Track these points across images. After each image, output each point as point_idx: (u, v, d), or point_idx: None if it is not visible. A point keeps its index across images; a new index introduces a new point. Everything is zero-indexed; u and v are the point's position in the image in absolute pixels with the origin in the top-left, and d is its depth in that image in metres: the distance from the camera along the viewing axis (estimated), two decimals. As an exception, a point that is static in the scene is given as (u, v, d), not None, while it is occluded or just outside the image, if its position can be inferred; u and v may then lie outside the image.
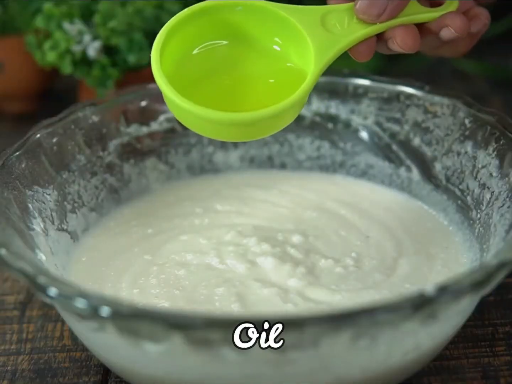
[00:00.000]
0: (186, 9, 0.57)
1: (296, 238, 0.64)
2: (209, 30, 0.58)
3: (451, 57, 0.61)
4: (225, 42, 0.58)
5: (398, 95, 0.69)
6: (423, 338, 0.51)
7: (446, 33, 0.59)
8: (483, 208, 0.61)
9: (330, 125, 0.72)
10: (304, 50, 0.57)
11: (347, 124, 0.72)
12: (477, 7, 0.61)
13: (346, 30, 0.57)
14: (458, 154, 0.65)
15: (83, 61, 0.80)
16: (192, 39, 0.58)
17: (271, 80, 0.58)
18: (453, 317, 0.52)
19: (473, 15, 0.60)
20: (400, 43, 0.58)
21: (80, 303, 0.47)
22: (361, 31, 0.57)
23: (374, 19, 0.57)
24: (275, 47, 0.58)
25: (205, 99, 0.55)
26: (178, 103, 0.53)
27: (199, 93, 0.56)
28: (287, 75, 0.58)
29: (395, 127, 0.70)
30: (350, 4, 0.58)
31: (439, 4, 0.60)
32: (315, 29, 0.57)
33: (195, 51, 0.58)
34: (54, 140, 0.65)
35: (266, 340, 0.45)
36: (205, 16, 0.57)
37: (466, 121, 0.65)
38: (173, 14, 0.81)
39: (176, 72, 0.56)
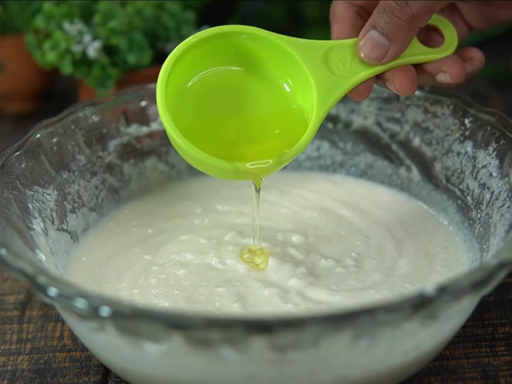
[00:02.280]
0: (191, 37, 0.56)
1: (296, 238, 0.64)
2: (218, 56, 0.57)
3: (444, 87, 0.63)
4: (234, 68, 0.58)
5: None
6: (423, 338, 0.51)
7: (442, 78, 0.60)
8: (483, 208, 0.61)
9: (330, 125, 0.72)
10: (308, 92, 0.57)
11: (347, 124, 0.72)
12: (472, 49, 0.62)
13: (348, 71, 0.58)
14: (458, 154, 0.65)
15: (83, 61, 0.80)
16: (200, 64, 0.57)
17: (276, 118, 0.58)
18: (453, 317, 0.52)
19: (468, 58, 0.61)
20: (398, 88, 0.59)
21: (80, 303, 0.47)
22: (362, 73, 0.58)
23: (375, 62, 0.58)
24: (285, 86, 0.58)
25: (207, 129, 0.56)
26: (181, 145, 0.54)
27: (202, 121, 0.57)
28: (290, 115, 0.58)
29: (395, 127, 0.70)
30: (353, 40, 0.58)
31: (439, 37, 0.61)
32: (319, 70, 0.57)
33: (201, 76, 0.58)
34: (54, 140, 0.65)
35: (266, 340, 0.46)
36: (213, 42, 0.57)
37: (466, 121, 0.65)
38: (173, 14, 0.82)
39: (180, 97, 0.56)
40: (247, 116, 0.58)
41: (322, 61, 0.57)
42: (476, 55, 0.61)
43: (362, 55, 0.58)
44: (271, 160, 0.56)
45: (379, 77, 0.59)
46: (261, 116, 0.58)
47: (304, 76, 0.57)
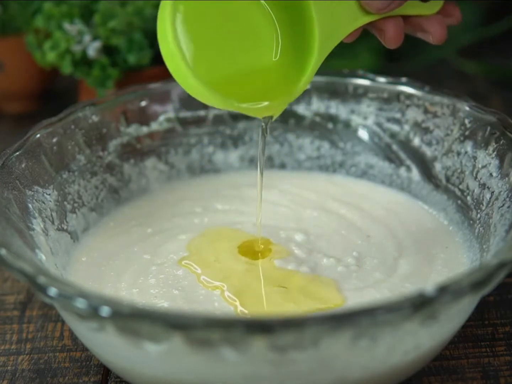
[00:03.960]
0: None
1: (298, 237, 0.64)
2: None
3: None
4: None
5: (398, 95, 0.69)
6: (423, 338, 0.51)
7: (425, 37, 0.61)
8: (483, 208, 0.61)
9: (330, 125, 0.72)
10: (308, 38, 0.57)
11: (347, 124, 0.72)
12: (453, 6, 0.63)
13: (349, 16, 0.57)
14: (458, 154, 0.65)
15: (83, 61, 0.80)
16: None
17: (273, 65, 0.57)
18: (453, 317, 0.52)
19: (449, 14, 0.62)
20: (387, 39, 0.59)
21: (80, 303, 0.47)
22: (360, 20, 0.58)
23: (374, 11, 0.58)
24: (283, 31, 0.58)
25: (208, 57, 0.55)
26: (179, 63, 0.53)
27: (202, 47, 0.55)
28: (287, 62, 0.58)
29: (395, 127, 0.70)
30: None
31: None
32: (323, 12, 0.56)
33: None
34: (54, 140, 0.65)
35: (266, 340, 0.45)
36: None
37: (466, 121, 0.65)
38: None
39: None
40: (246, 52, 0.57)
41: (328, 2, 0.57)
42: (456, 13, 0.63)
43: (365, 1, 0.58)
44: (262, 103, 0.56)
45: (369, 24, 0.60)
46: (261, 58, 0.57)
47: (309, 21, 0.57)
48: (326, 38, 0.57)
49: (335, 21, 0.57)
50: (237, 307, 0.57)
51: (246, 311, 0.56)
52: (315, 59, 0.56)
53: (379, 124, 0.71)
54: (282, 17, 0.58)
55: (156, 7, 0.82)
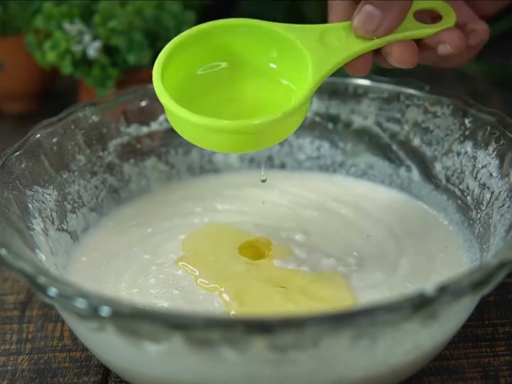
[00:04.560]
0: (186, 31, 0.58)
1: (298, 237, 0.64)
2: (209, 51, 0.58)
3: (453, 68, 0.62)
4: (224, 64, 0.59)
5: (398, 95, 0.69)
6: (423, 338, 0.51)
7: (443, 49, 0.60)
8: (483, 208, 0.61)
9: (330, 125, 0.72)
10: (302, 66, 0.57)
11: (347, 124, 0.72)
12: (477, 21, 0.61)
13: (344, 45, 0.58)
14: (458, 154, 0.65)
15: (83, 61, 0.80)
16: (193, 61, 0.58)
17: (268, 98, 0.58)
18: (453, 317, 0.52)
19: (471, 30, 0.61)
20: (397, 59, 0.59)
21: (80, 303, 0.47)
22: (358, 46, 0.58)
23: (370, 34, 0.58)
24: (272, 65, 0.59)
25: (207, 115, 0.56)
26: (178, 113, 0.54)
27: (200, 111, 0.56)
28: (283, 92, 0.58)
29: (395, 127, 0.70)
30: (348, 22, 0.59)
31: (439, 17, 0.61)
32: (313, 44, 0.57)
33: (197, 72, 0.59)
34: (54, 140, 0.65)
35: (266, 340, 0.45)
36: (206, 36, 0.58)
37: (466, 121, 0.65)
38: (173, 14, 0.82)
39: (178, 93, 0.57)
40: (241, 98, 0.58)
41: (317, 39, 0.58)
42: (480, 27, 0.61)
43: (355, 26, 0.58)
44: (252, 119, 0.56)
45: (379, 55, 0.59)
46: (255, 96, 0.58)
47: (297, 52, 0.57)
48: (321, 62, 0.57)
49: (328, 49, 0.57)
50: (230, 309, 0.57)
51: (238, 315, 0.56)
52: (310, 81, 0.56)
53: (379, 124, 0.71)
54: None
55: (156, 7, 0.82)
